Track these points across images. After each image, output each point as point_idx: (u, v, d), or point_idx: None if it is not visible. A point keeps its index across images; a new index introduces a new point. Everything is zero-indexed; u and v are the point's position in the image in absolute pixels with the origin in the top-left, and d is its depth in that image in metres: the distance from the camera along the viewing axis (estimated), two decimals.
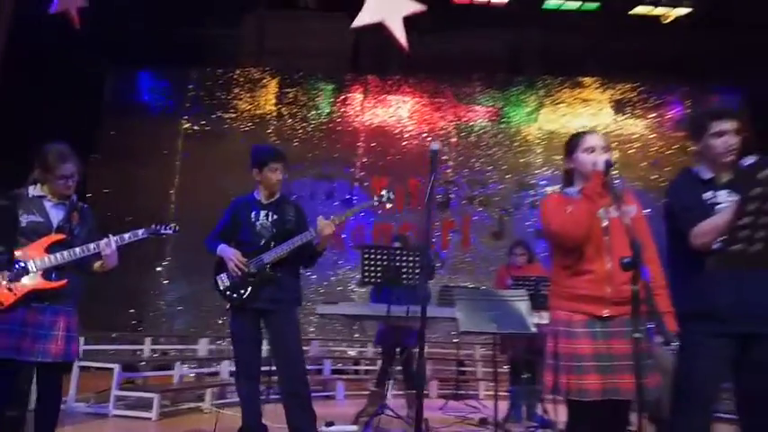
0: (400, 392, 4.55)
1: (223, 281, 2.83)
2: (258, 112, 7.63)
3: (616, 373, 1.85)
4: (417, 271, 3.90)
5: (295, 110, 7.65)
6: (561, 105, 7.65)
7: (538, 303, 3.51)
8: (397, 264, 3.90)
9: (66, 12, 3.06)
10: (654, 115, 7.60)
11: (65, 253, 2.39)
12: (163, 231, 2.74)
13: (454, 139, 7.55)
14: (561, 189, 2.21)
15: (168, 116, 7.50)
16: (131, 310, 7.00)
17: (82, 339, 3.86)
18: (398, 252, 3.99)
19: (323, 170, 7.44)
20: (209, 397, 4.40)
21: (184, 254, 6.80)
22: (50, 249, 2.39)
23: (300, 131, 7.59)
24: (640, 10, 6.49)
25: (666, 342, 1.77)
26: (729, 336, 1.98)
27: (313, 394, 3.19)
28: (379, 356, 5.36)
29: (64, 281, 2.39)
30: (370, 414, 4.12)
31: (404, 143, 7.54)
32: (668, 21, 6.54)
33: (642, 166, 7.46)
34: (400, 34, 3.19)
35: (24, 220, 2.40)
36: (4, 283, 2.28)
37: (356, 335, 6.74)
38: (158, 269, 7.20)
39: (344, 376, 5.89)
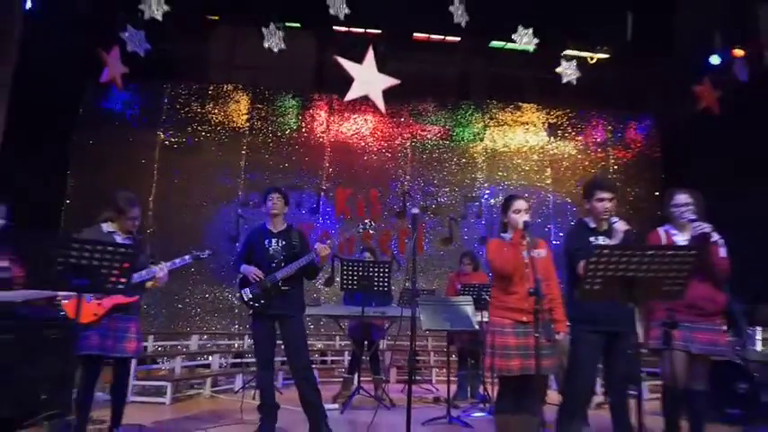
0: (368, 378, 5.55)
1: (247, 294, 3.73)
2: (231, 125, 8.34)
3: (530, 358, 2.93)
4: (385, 280, 4.93)
5: (265, 124, 8.40)
6: (503, 127, 8.84)
7: (480, 305, 4.62)
8: (369, 274, 4.92)
9: (113, 79, 3.81)
10: (581, 138, 8.94)
11: (135, 275, 3.23)
12: (202, 256, 3.62)
13: (410, 155, 8.59)
14: (499, 234, 3.27)
15: (145, 129, 8.06)
16: None
17: None
18: (370, 264, 5.00)
19: (292, 181, 8.23)
20: (209, 384, 5.27)
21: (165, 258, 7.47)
22: None
23: (271, 144, 8.38)
24: (570, 53, 7.75)
25: (549, 338, 2.84)
26: (601, 333, 3.12)
27: (286, 381, 4.11)
28: (349, 348, 6.38)
29: (136, 296, 3.24)
30: (345, 396, 5.15)
31: (365, 157, 8.49)
32: (593, 62, 7.83)
33: (571, 182, 8.77)
34: (379, 103, 4.12)
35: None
36: (95, 300, 3.11)
37: (322, 330, 7.70)
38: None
39: (315, 366, 6.86)
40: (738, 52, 7.40)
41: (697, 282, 3.13)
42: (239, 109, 8.43)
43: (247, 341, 6.90)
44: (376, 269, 4.92)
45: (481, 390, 5.30)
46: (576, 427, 3.21)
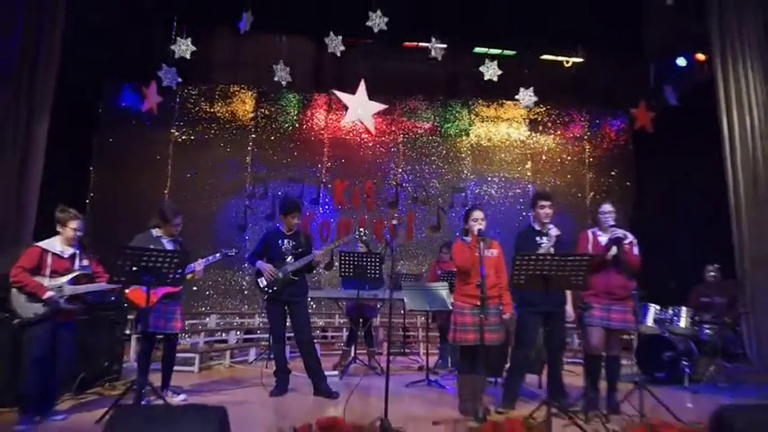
0: (362, 350, 6.59)
1: (262, 282, 4.73)
2: (238, 123, 9.24)
3: (488, 332, 3.92)
4: (377, 268, 5.93)
5: (269, 122, 9.30)
6: (487, 123, 9.76)
7: (454, 290, 5.62)
8: (363, 263, 5.91)
9: (152, 107, 4.74)
10: (559, 133, 9.86)
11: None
12: (230, 254, 4.60)
13: (402, 149, 9.51)
14: (461, 237, 4.25)
15: (159, 128, 8.94)
16: None
17: None
18: (364, 256, 6.00)
19: (294, 174, 9.21)
20: (228, 356, 6.34)
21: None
22: None
23: (274, 140, 9.29)
24: (547, 57, 8.64)
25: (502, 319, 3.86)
26: (538, 313, 4.14)
27: (292, 354, 5.16)
28: (346, 325, 7.42)
29: (180, 287, 4.24)
30: (343, 365, 6.20)
31: (361, 152, 9.40)
32: (569, 65, 8.70)
33: (550, 173, 9.73)
34: (370, 125, 5.02)
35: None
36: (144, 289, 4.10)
37: (323, 309, 8.74)
38: None
39: (318, 340, 7.92)
40: (700, 57, 8.31)
41: (614, 273, 4.16)
42: (245, 108, 9.31)
43: (257, 319, 7.95)
44: (369, 260, 5.92)
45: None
46: (520, 384, 4.26)
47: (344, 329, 7.62)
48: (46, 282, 3.60)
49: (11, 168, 5.90)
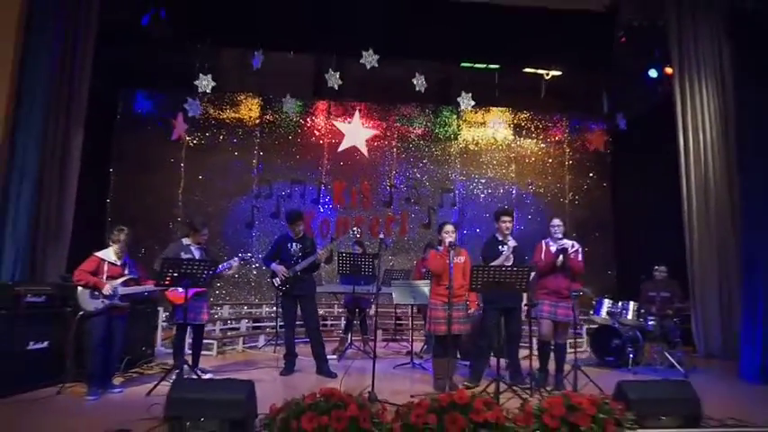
0: (358, 337, 7.64)
1: (276, 281, 5.75)
2: (245, 128, 10.20)
3: (453, 325, 4.95)
4: (370, 267, 6.94)
5: (274, 127, 10.27)
6: (475, 128, 10.71)
7: (430, 289, 6.65)
8: (358, 263, 6.93)
9: (180, 136, 5.71)
10: (542, 137, 10.81)
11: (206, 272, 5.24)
12: (245, 258, 5.61)
13: (395, 153, 10.48)
14: (435, 246, 5.26)
15: (172, 131, 9.92)
16: None
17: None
18: (359, 256, 7.01)
19: (297, 175, 10.19)
20: (241, 342, 7.40)
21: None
22: None
23: (278, 144, 10.24)
24: (528, 70, 9.57)
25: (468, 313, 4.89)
26: (498, 309, 5.16)
27: (296, 340, 6.21)
28: (344, 315, 8.46)
29: (207, 287, 5.27)
30: (341, 350, 7.26)
31: (357, 155, 10.37)
32: (548, 77, 9.64)
33: (533, 175, 10.70)
34: (363, 149, 5.93)
35: (184, 257, 5.22)
36: (180, 289, 5.13)
37: (324, 301, 9.77)
38: None
39: None
40: (669, 70, 9.23)
41: (561, 276, 5.18)
42: (251, 114, 10.27)
43: (265, 309, 9.01)
44: (363, 259, 6.93)
45: None
46: (484, 365, 5.31)
47: (342, 319, 8.66)
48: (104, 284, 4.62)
49: (51, 176, 6.85)
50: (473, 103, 8.36)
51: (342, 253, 6.99)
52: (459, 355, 6.21)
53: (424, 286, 6.33)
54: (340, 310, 9.19)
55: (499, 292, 4.75)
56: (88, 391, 4.47)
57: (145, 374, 5.53)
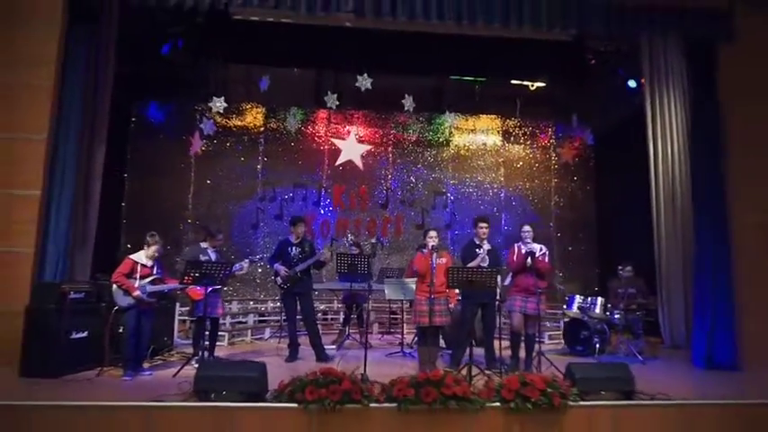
0: (355, 330, 8.50)
1: (278, 280, 6.62)
2: (250, 136, 11.05)
3: (434, 317, 5.81)
4: (365, 266, 7.80)
5: (277, 135, 11.13)
6: (466, 134, 11.55)
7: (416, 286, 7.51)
8: (355, 263, 7.78)
9: (197, 151, 6.57)
10: (529, 143, 11.64)
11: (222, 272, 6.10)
12: (254, 260, 6.47)
13: (391, 158, 11.33)
14: (420, 249, 6.11)
15: (183, 139, 10.77)
16: None
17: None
18: (356, 256, 7.86)
19: (299, 179, 11.04)
20: (249, 334, 8.29)
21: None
22: None
23: (281, 150, 11.09)
24: (515, 81, 10.41)
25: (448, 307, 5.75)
26: (475, 304, 6.02)
27: (297, 333, 7.07)
28: (343, 310, 9.33)
29: (223, 285, 6.13)
30: (339, 341, 8.13)
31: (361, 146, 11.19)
32: (533, 87, 10.46)
33: (520, 178, 11.54)
34: (359, 163, 6.77)
35: (202, 259, 6.08)
36: (199, 287, 5.99)
37: (324, 297, 10.64)
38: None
39: (319, 322, 9.83)
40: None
41: (529, 276, 6.02)
42: (256, 123, 11.11)
43: (270, 304, 9.89)
44: (359, 259, 7.78)
45: None
46: (463, 352, 6.16)
47: (341, 313, 9.53)
48: (136, 283, 5.49)
49: (78, 186, 7.71)
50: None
51: (340, 254, 7.86)
52: (444, 345, 7.10)
53: (413, 283, 7.15)
54: (339, 306, 10.06)
55: (480, 290, 5.60)
56: (124, 372, 5.34)
57: (167, 361, 6.41)
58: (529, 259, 5.98)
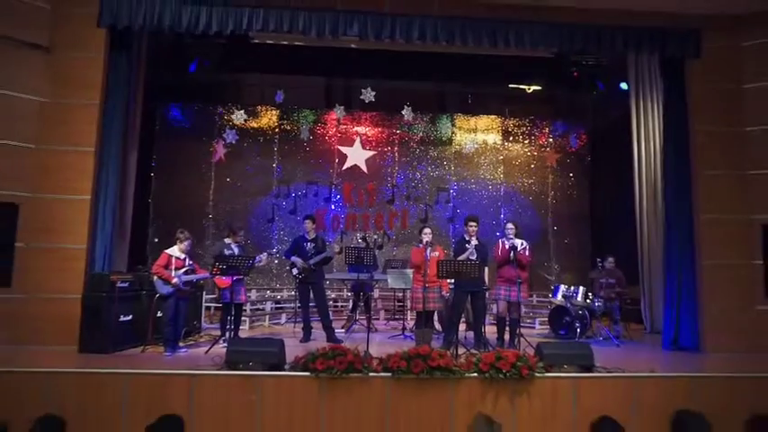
0: (362, 316, 9.53)
1: (294, 271, 7.65)
2: (266, 136, 12.06)
3: (428, 303, 6.81)
4: (372, 258, 8.81)
5: (290, 135, 12.12)
6: (468, 134, 12.45)
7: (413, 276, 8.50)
8: (361, 255, 8.79)
9: (221, 158, 7.61)
10: (527, 142, 12.51)
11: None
12: (272, 253, 7.51)
13: (397, 156, 12.28)
14: (417, 244, 7.10)
15: (204, 141, 11.82)
16: None
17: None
18: (363, 249, 8.87)
19: (311, 177, 12.05)
20: (267, 319, 9.37)
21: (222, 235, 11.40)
22: None
23: (295, 150, 12.09)
24: (512, 85, 11.29)
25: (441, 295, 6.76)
26: (465, 292, 7.01)
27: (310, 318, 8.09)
28: (351, 297, 10.37)
29: (246, 275, 7.19)
30: (348, 326, 9.18)
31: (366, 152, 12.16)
32: (530, 91, 11.33)
33: (519, 176, 12.44)
34: (364, 168, 7.73)
35: (227, 253, 7.13)
36: (225, 277, 7.03)
37: (335, 286, 11.69)
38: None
39: (330, 308, 10.88)
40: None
41: (512, 267, 6.98)
42: (271, 124, 12.12)
43: (285, 293, 10.96)
44: (366, 252, 8.78)
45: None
46: (454, 334, 7.17)
47: (350, 300, 10.57)
48: (172, 273, 6.56)
49: (116, 186, 8.77)
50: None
51: (348, 248, 8.87)
52: (441, 329, 8.11)
53: (412, 274, 8.19)
54: (348, 294, 11.11)
55: (470, 280, 6.57)
56: (165, 350, 6.42)
57: (197, 342, 7.49)
58: (512, 253, 6.93)
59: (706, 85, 7.58)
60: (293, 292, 10.07)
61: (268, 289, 11.32)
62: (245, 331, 8.54)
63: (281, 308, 10.51)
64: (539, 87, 11.21)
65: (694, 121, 7.60)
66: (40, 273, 6.59)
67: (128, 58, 7.47)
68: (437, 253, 6.99)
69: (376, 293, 10.76)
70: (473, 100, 12.16)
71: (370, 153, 11.81)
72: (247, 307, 9.52)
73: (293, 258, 7.66)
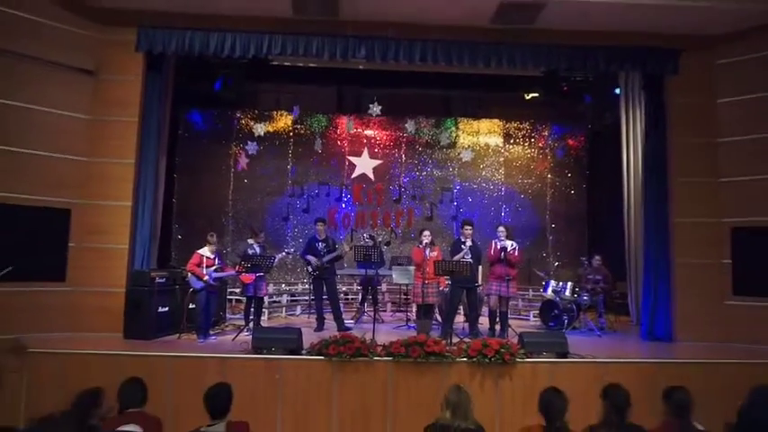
0: (371, 308, 10.54)
1: (309, 268, 8.67)
2: (280, 140, 13.06)
3: (427, 297, 7.81)
4: (378, 256, 9.82)
5: (304, 138, 13.11)
6: (472, 137, 13.37)
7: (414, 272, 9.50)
8: (369, 253, 9.80)
9: (244, 167, 8.65)
10: (527, 144, 13.41)
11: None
12: (289, 252, 8.55)
13: (404, 158, 13.24)
14: (417, 245, 8.10)
15: (223, 145, 12.85)
16: None
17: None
18: (371, 247, 9.88)
19: (323, 178, 13.04)
20: (283, 311, 10.44)
21: (241, 233, 12.46)
22: None
23: (308, 152, 13.06)
24: (512, 92, 12.18)
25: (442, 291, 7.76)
26: (461, 287, 8.00)
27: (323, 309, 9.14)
28: (360, 291, 11.41)
29: (268, 272, 8.23)
30: (357, 317, 10.22)
31: (373, 161, 13.15)
32: (529, 97, 12.21)
33: (520, 176, 13.35)
34: (371, 176, 8.71)
35: (250, 252, 8.18)
36: (249, 274, 8.07)
37: (345, 280, 12.71)
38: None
39: (341, 301, 11.93)
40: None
41: (503, 265, 7.96)
42: (285, 128, 13.12)
43: (300, 287, 12.03)
44: (373, 250, 9.78)
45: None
46: (451, 325, 8.18)
47: (359, 294, 11.62)
48: (204, 271, 7.62)
49: (152, 192, 9.78)
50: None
51: (357, 246, 9.89)
52: (440, 320, 9.10)
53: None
54: (357, 288, 12.15)
55: (465, 276, 7.56)
56: (198, 337, 7.49)
57: (223, 330, 8.56)
58: (502, 253, 7.90)
59: (683, 100, 8.47)
60: (307, 286, 11.12)
61: (284, 283, 12.38)
62: (264, 322, 9.56)
63: (295, 300, 11.57)
64: (536, 95, 12.06)
65: (672, 132, 8.49)
66: (89, 269, 7.67)
67: (160, 77, 8.51)
68: (435, 253, 7.98)
69: (384, 287, 11.80)
70: (476, 105, 13.05)
71: (377, 162, 12.85)
72: (266, 299, 10.58)
73: (308, 257, 8.68)
